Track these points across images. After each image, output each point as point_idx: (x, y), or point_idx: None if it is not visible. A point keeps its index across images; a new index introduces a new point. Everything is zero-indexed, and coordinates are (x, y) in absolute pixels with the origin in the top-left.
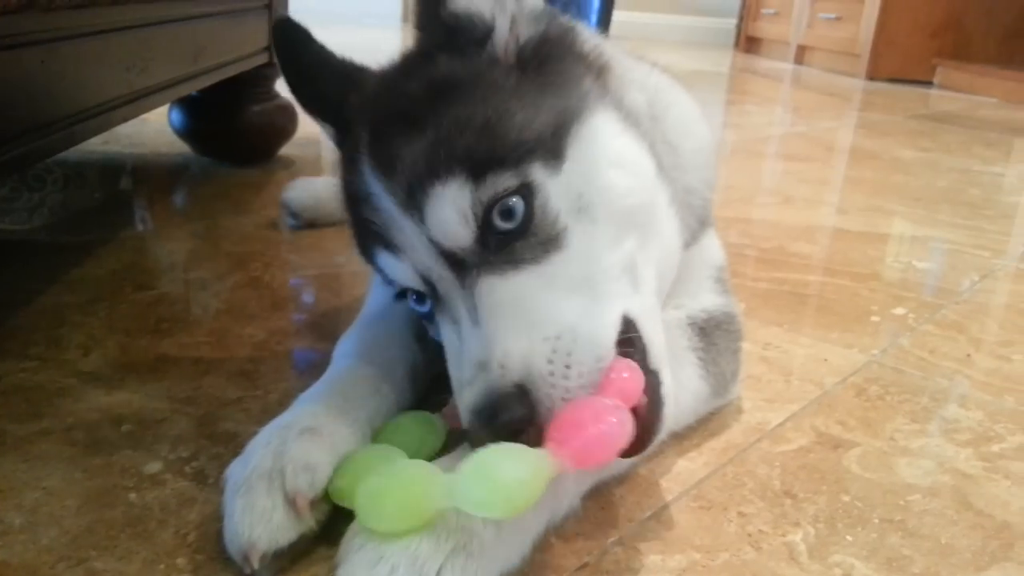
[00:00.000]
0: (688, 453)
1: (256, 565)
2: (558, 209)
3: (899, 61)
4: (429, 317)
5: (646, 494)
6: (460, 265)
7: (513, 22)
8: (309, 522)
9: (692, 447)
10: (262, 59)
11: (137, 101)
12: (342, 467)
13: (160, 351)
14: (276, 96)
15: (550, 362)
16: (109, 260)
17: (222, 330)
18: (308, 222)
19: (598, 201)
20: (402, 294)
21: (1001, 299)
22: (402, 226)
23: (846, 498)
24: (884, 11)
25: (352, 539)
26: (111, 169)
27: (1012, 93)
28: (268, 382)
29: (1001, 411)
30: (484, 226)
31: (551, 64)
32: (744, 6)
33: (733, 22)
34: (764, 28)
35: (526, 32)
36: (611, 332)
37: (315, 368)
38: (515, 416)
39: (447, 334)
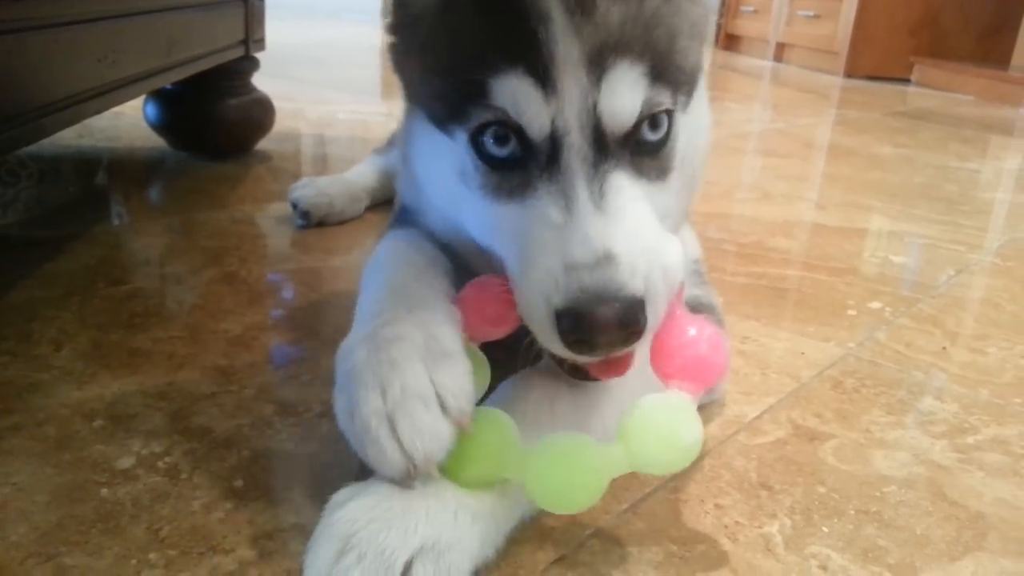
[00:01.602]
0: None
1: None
2: (679, 147)
3: (877, 59)
4: (500, 162)
5: (623, 486)
6: (598, 146)
7: None
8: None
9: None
10: (238, 52)
11: (109, 93)
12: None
13: (133, 346)
14: (253, 89)
15: (660, 287)
16: (83, 255)
17: (197, 325)
18: (318, 221)
19: (691, 154)
20: (482, 127)
21: (976, 293)
22: (572, 72)
23: (822, 490)
24: (862, 9)
25: (321, 528)
26: (86, 163)
27: (988, 90)
28: (243, 377)
29: (976, 403)
30: (636, 126)
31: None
32: (724, 4)
33: (713, 19)
34: (744, 26)
35: None
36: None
37: (291, 362)
38: (640, 326)
39: (545, 200)
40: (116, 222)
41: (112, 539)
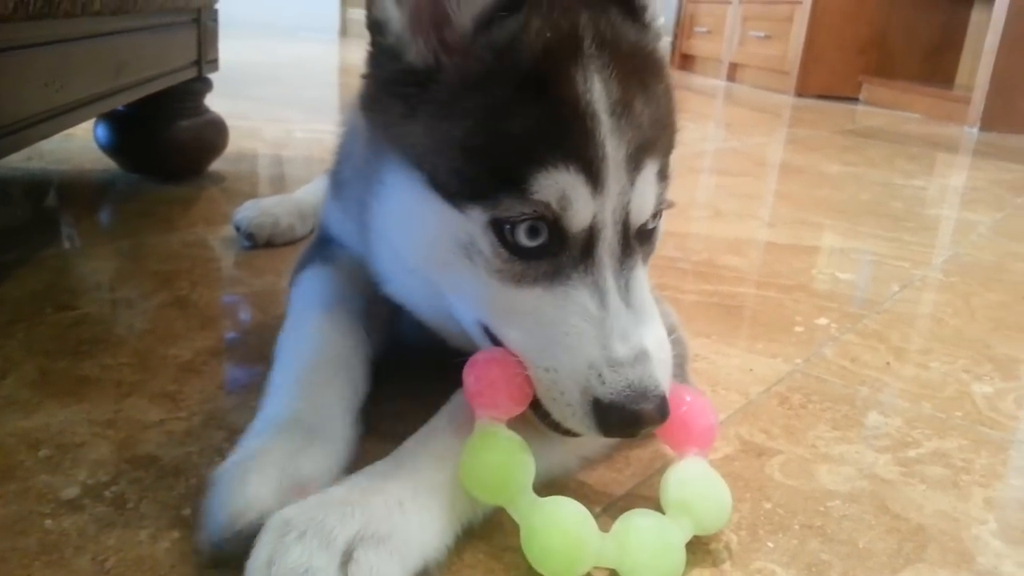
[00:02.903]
0: (616, 464)
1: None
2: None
3: (826, 78)
4: (533, 253)
5: None
6: (624, 239)
7: None
8: None
9: (620, 457)
10: (191, 73)
11: (57, 118)
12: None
13: (81, 373)
14: (206, 111)
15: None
16: (29, 280)
17: (146, 351)
18: (265, 241)
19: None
20: (514, 218)
21: (920, 308)
22: (615, 172)
23: (768, 505)
24: (812, 29)
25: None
26: (35, 186)
27: (933, 109)
28: (192, 403)
29: (919, 417)
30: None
31: None
32: (678, 24)
33: (667, 40)
34: (697, 46)
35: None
36: None
37: (242, 388)
38: (665, 418)
39: (577, 294)
40: (67, 246)
41: (56, 571)
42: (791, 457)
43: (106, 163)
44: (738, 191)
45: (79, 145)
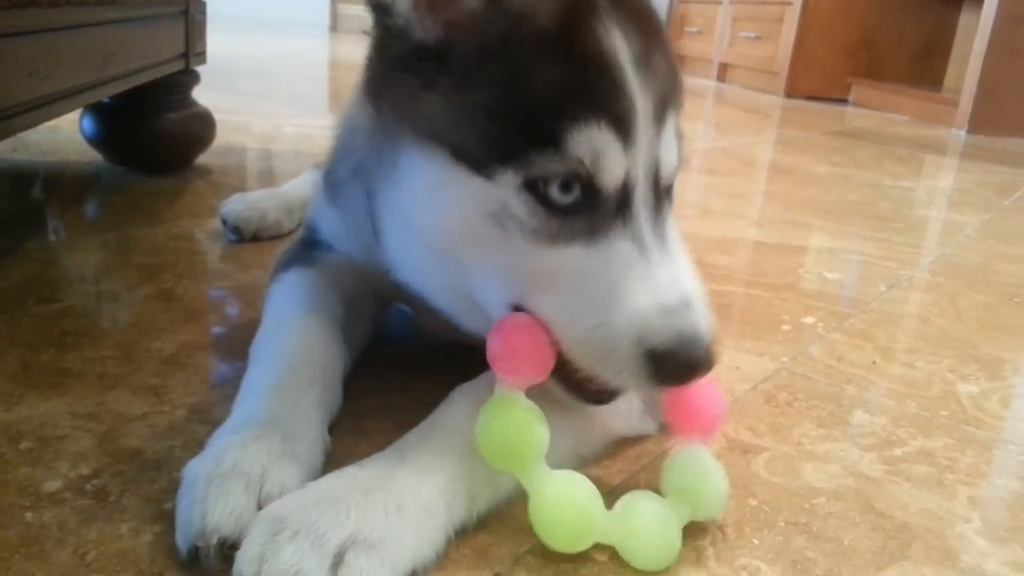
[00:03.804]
0: (603, 461)
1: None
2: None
3: (816, 79)
4: (568, 210)
5: None
6: (656, 193)
7: None
8: None
9: (607, 455)
10: (178, 65)
11: (41, 108)
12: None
13: (63, 366)
14: (193, 103)
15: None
16: (13, 272)
17: (129, 344)
18: (251, 235)
19: None
20: (546, 177)
21: (907, 308)
22: (644, 126)
23: (754, 502)
24: (801, 31)
25: (255, 518)
26: (20, 178)
27: (922, 110)
28: (176, 397)
29: (904, 416)
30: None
31: None
32: (668, 24)
33: None
34: (688, 46)
35: None
36: None
37: (226, 382)
38: (711, 367)
39: (617, 247)
40: (52, 238)
41: (36, 564)
42: (777, 455)
43: (92, 155)
44: (727, 191)
45: (65, 137)
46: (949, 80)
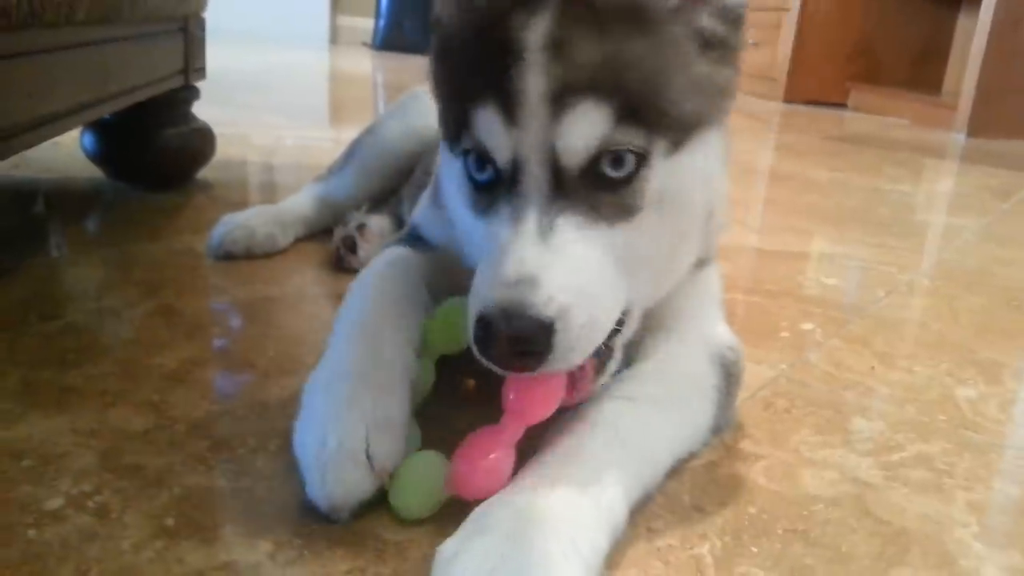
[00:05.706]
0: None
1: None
2: (650, 189)
3: (814, 84)
4: (481, 184)
5: None
6: (556, 179)
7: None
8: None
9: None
10: (178, 82)
11: (40, 128)
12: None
13: (65, 383)
14: (193, 119)
15: (582, 326)
16: (14, 289)
17: (130, 360)
18: (243, 254)
19: (679, 205)
20: (467, 151)
21: (905, 314)
22: (533, 108)
23: (752, 510)
24: (800, 36)
25: None
26: (21, 194)
27: (921, 114)
28: (177, 413)
29: (902, 421)
30: (593, 161)
31: (717, 59)
32: None
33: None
34: None
35: (714, 22)
36: (615, 317)
37: (227, 397)
38: (537, 350)
39: (502, 221)
40: (53, 254)
41: None
42: (775, 462)
43: (93, 171)
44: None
45: (66, 153)
46: (948, 84)
